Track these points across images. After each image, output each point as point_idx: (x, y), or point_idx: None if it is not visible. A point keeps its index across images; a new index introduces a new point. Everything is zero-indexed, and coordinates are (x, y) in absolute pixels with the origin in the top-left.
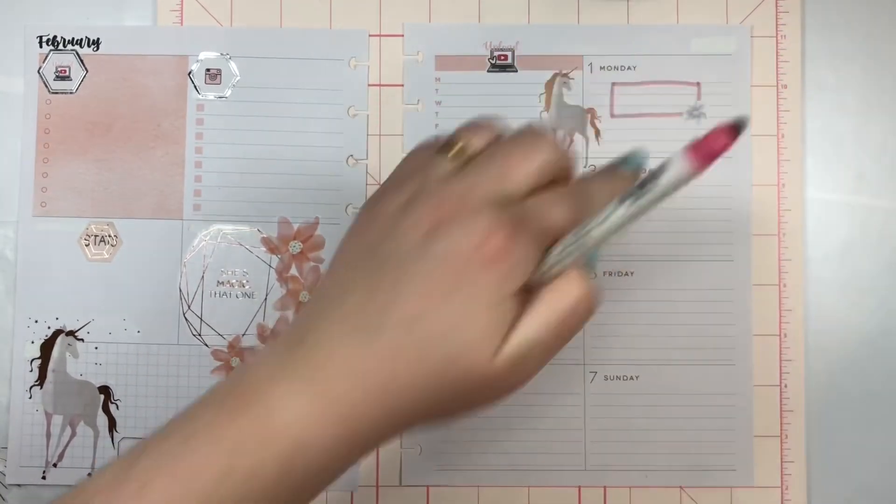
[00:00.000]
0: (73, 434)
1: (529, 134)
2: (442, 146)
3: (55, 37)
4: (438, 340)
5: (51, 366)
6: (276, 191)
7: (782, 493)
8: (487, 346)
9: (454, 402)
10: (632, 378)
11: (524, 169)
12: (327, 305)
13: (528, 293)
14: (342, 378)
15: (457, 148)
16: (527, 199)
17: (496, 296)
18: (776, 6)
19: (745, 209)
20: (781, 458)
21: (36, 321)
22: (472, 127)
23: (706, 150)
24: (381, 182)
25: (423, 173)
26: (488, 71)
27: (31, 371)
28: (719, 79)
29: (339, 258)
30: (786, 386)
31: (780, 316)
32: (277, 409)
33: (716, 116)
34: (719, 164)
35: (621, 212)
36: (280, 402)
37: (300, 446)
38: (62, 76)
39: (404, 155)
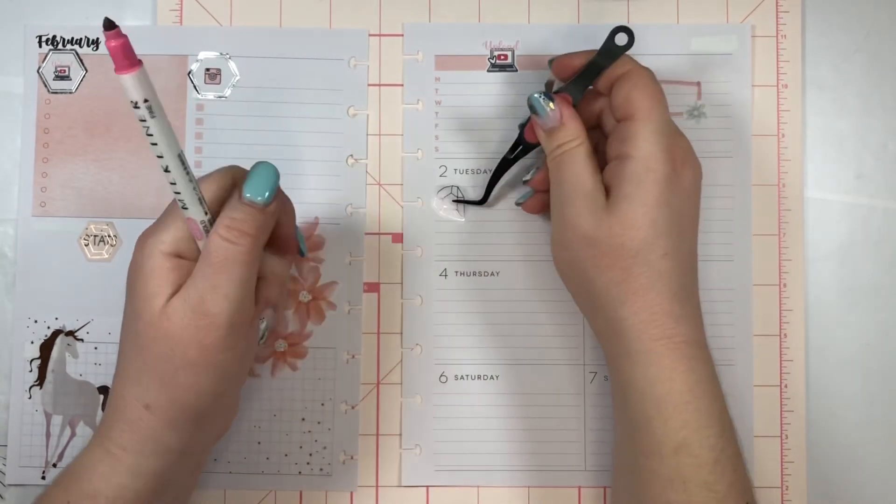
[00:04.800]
0: (73, 434)
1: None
2: None
3: (55, 36)
4: (125, 330)
5: (50, 366)
6: None
7: (782, 493)
8: (150, 307)
9: (164, 375)
10: None
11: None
12: None
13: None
14: (102, 425)
15: None
16: None
17: (143, 271)
18: (777, 6)
19: (745, 209)
20: (782, 459)
21: (35, 321)
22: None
23: (119, 61)
24: (381, 182)
25: None
26: (488, 70)
27: (31, 371)
28: (720, 78)
29: None
30: (786, 386)
31: (781, 316)
32: (75, 462)
33: (716, 116)
34: (720, 163)
35: (155, 139)
36: (80, 456)
37: (76, 471)
38: (62, 76)
39: (404, 155)
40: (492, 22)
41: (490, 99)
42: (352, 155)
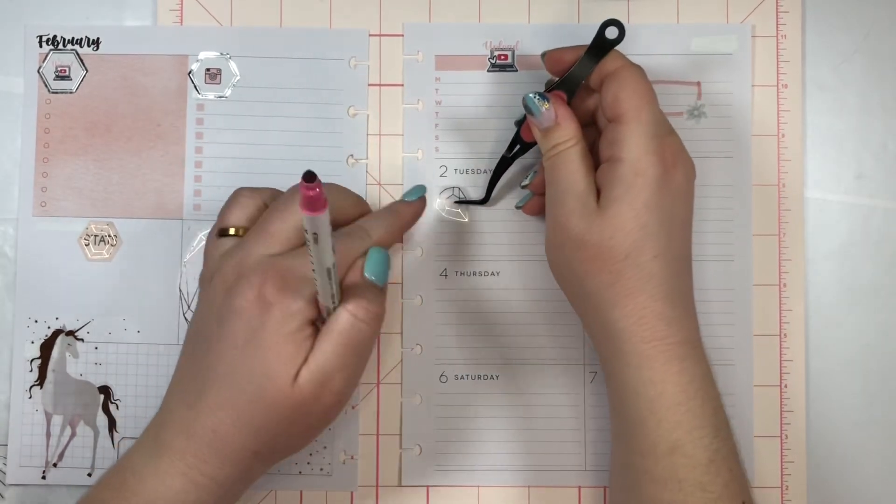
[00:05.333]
0: (73, 434)
1: (285, 199)
2: (219, 231)
3: (55, 36)
4: (245, 383)
5: (51, 366)
6: None
7: (782, 492)
8: (285, 374)
9: (285, 433)
10: None
11: (281, 230)
12: (172, 386)
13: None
14: (178, 436)
15: (231, 230)
16: (289, 252)
17: (281, 333)
18: (777, 6)
19: (745, 209)
20: (781, 458)
21: (36, 321)
22: (233, 206)
23: (305, 203)
24: (381, 182)
25: (210, 258)
26: (488, 70)
27: (31, 371)
28: (720, 78)
29: (182, 348)
30: (786, 386)
31: (781, 316)
32: (132, 473)
33: (716, 116)
34: (720, 163)
35: (313, 257)
36: (137, 467)
37: (153, 498)
38: (62, 76)
39: (404, 155)
40: (492, 22)
41: (490, 99)
42: (352, 155)
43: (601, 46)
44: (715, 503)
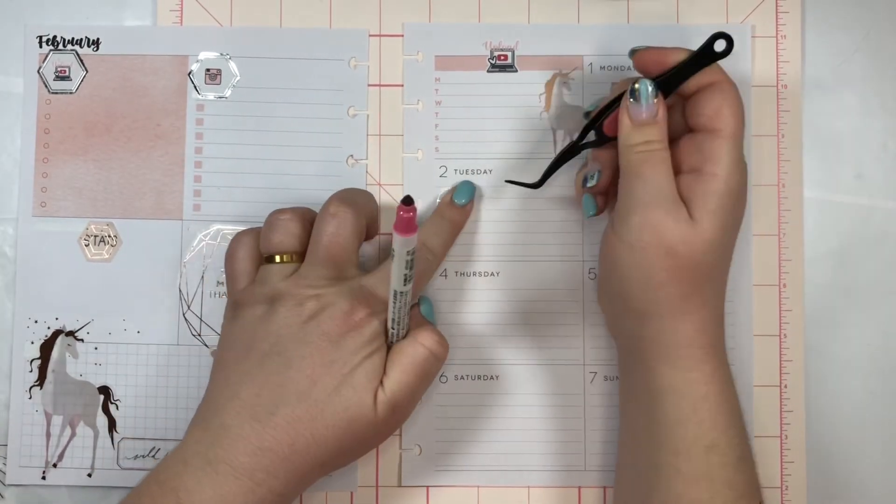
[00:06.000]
0: (73, 434)
1: (328, 212)
2: (266, 258)
3: (55, 37)
4: (327, 401)
5: (50, 366)
6: (276, 191)
7: (782, 493)
8: (368, 396)
9: (350, 449)
10: None
11: (343, 248)
12: (226, 401)
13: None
14: (244, 453)
15: (277, 258)
16: (365, 275)
17: (367, 351)
18: (776, 6)
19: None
20: (781, 458)
21: (36, 321)
22: (276, 230)
23: (400, 225)
24: (381, 182)
25: (265, 283)
26: (488, 71)
27: (31, 371)
28: None
29: (222, 360)
30: (786, 386)
31: (780, 316)
32: (186, 494)
33: None
34: None
35: (391, 277)
36: (190, 487)
37: None
38: (62, 76)
39: (404, 155)
40: (492, 22)
41: (490, 99)
42: (352, 155)
43: (706, 58)
44: (737, 501)
